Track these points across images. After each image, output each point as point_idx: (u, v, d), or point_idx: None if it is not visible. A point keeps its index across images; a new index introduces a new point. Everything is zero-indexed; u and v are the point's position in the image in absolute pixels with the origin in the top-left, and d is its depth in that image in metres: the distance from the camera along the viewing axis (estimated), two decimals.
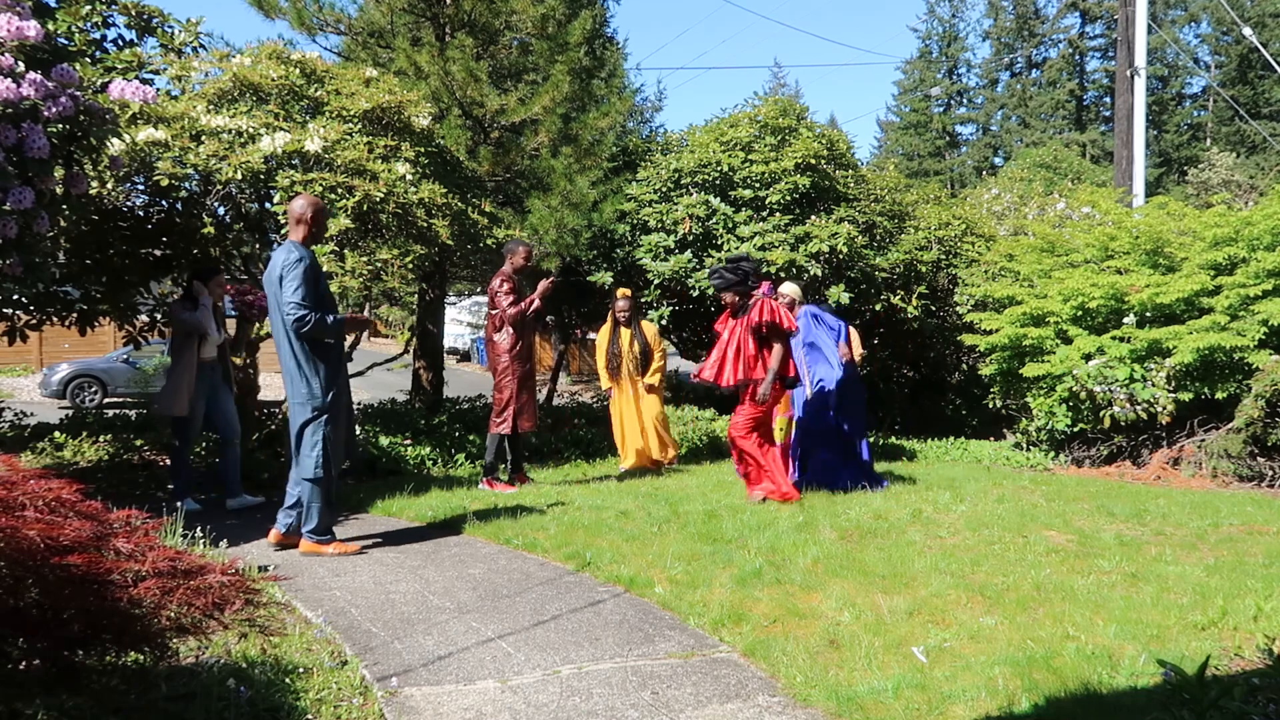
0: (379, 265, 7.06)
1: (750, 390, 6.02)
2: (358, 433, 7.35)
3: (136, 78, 5.72)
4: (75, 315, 6.80)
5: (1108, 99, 46.93)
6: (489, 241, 7.92)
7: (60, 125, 4.21)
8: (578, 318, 14.41)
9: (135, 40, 6.11)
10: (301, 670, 2.98)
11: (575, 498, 6.24)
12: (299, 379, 4.64)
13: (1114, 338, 8.88)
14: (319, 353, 4.69)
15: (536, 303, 6.70)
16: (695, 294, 10.79)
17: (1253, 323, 8.15)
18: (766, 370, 5.96)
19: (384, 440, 8.29)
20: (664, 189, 11.22)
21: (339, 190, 6.37)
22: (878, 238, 11.40)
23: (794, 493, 6.05)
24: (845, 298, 10.13)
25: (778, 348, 5.94)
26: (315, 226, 4.78)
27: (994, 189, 16.00)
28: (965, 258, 11.74)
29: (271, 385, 17.93)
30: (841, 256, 10.23)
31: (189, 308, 6.09)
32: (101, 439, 8.04)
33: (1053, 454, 9.48)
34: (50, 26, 4.84)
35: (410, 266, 7.40)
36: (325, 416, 4.68)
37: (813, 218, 10.56)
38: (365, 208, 6.47)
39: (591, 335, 23.36)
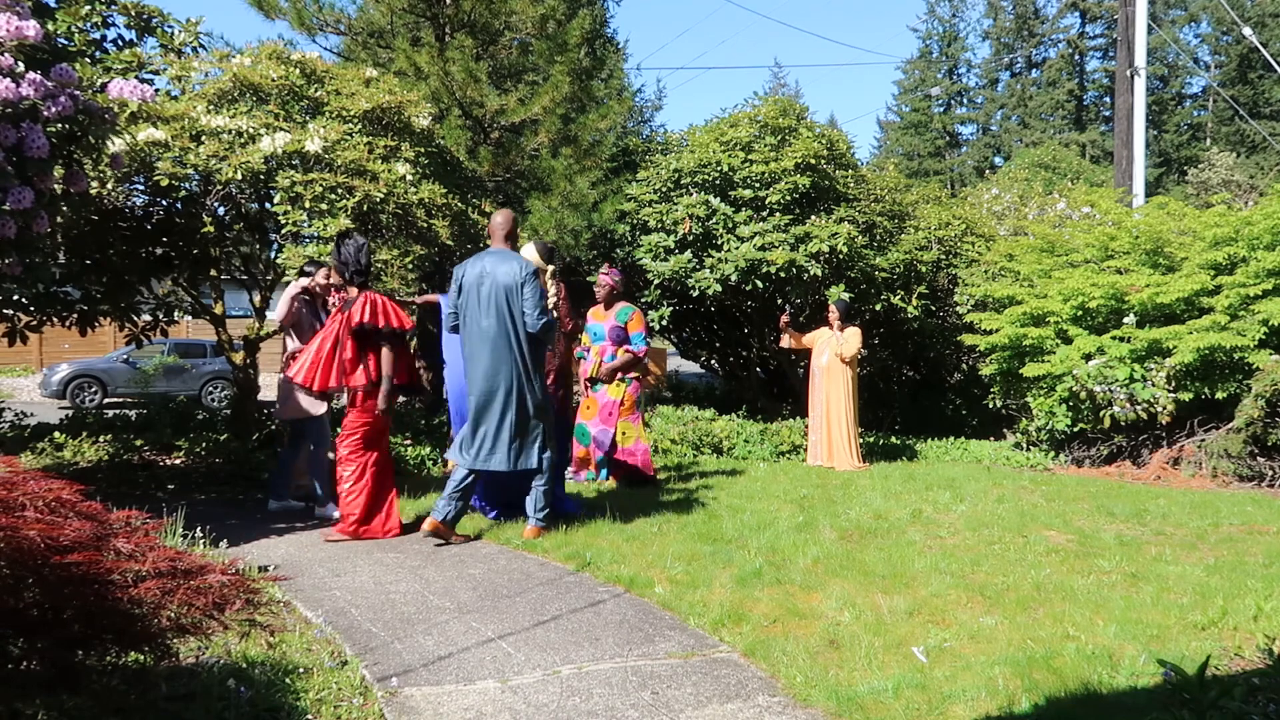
0: (379, 266, 7.06)
1: (358, 397, 5.29)
2: None
3: (136, 78, 5.71)
4: (75, 315, 6.80)
5: (1108, 99, 46.92)
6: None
7: (59, 125, 4.20)
8: (579, 318, 14.42)
9: (135, 40, 6.09)
10: (301, 670, 2.98)
11: (574, 497, 6.24)
12: (529, 383, 5.03)
13: (1114, 338, 8.87)
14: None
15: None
16: (695, 294, 10.79)
17: (1253, 322, 8.14)
18: (371, 376, 5.25)
19: None
20: (664, 189, 11.22)
21: (339, 190, 6.37)
22: (878, 238, 11.39)
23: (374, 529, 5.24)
24: (845, 297, 10.13)
25: (386, 351, 5.23)
26: (515, 237, 5.36)
27: (994, 189, 15.98)
28: (965, 258, 11.73)
29: (272, 385, 17.90)
30: (841, 256, 10.22)
31: None
32: (101, 439, 8.03)
33: (1053, 454, 9.48)
34: (50, 26, 4.83)
35: (410, 267, 7.40)
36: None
37: (813, 218, 10.55)
38: (365, 208, 6.48)
39: None
